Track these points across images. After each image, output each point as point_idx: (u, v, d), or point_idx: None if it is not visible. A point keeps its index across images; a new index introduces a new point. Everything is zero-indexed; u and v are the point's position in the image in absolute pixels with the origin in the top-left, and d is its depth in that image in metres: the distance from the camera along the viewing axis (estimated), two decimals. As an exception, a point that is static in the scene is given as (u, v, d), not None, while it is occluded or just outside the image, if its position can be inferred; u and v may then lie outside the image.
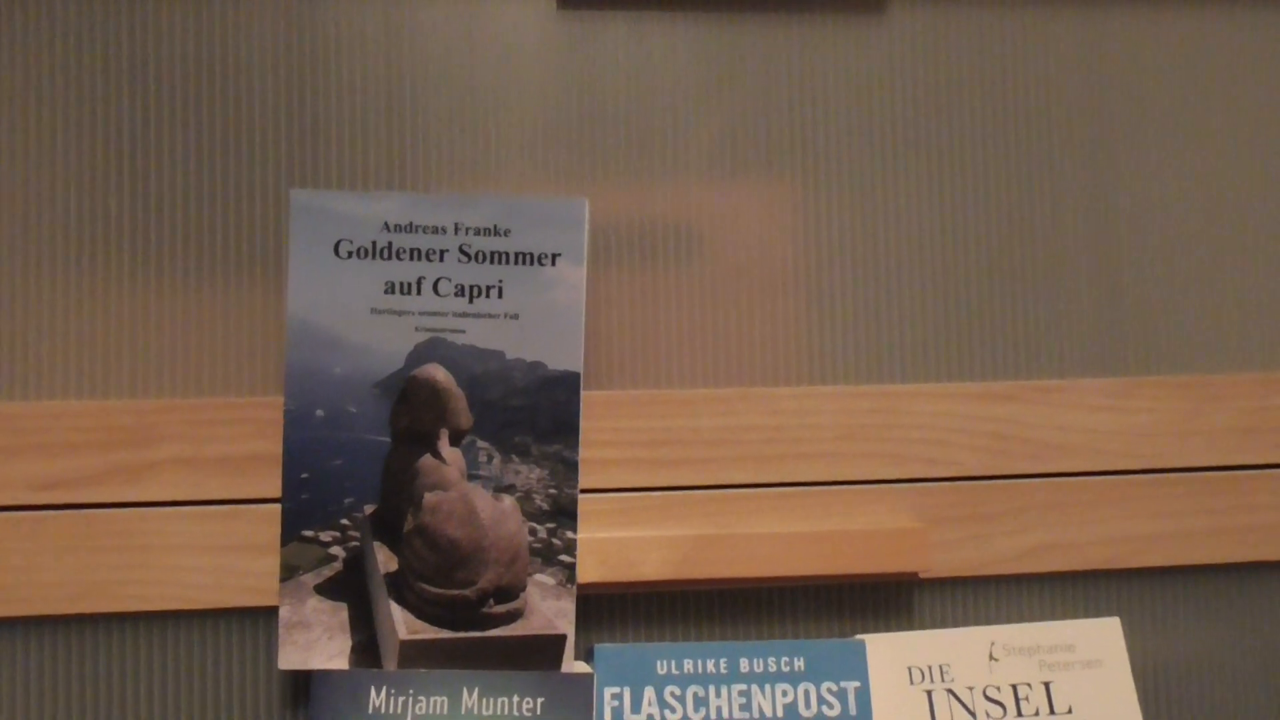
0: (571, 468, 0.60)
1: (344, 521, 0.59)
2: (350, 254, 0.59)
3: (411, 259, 0.59)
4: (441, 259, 0.59)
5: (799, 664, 0.61)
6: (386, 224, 0.59)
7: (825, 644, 0.61)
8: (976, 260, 0.67)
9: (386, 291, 0.59)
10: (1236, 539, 0.67)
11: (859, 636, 0.62)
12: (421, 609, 0.58)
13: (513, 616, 0.59)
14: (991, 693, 0.62)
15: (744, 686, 0.60)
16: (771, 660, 0.60)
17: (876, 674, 0.61)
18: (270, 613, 0.61)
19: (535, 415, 0.60)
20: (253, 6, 0.63)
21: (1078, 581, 0.67)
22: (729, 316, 0.65)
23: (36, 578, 0.59)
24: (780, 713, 0.60)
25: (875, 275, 0.67)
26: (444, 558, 0.59)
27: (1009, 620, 0.66)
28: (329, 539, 0.59)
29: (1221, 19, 0.70)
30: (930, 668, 0.62)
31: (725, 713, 0.59)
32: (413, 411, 0.59)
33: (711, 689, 0.60)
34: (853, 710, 0.60)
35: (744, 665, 0.60)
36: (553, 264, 0.60)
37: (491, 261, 0.60)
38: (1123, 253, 0.68)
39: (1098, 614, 0.67)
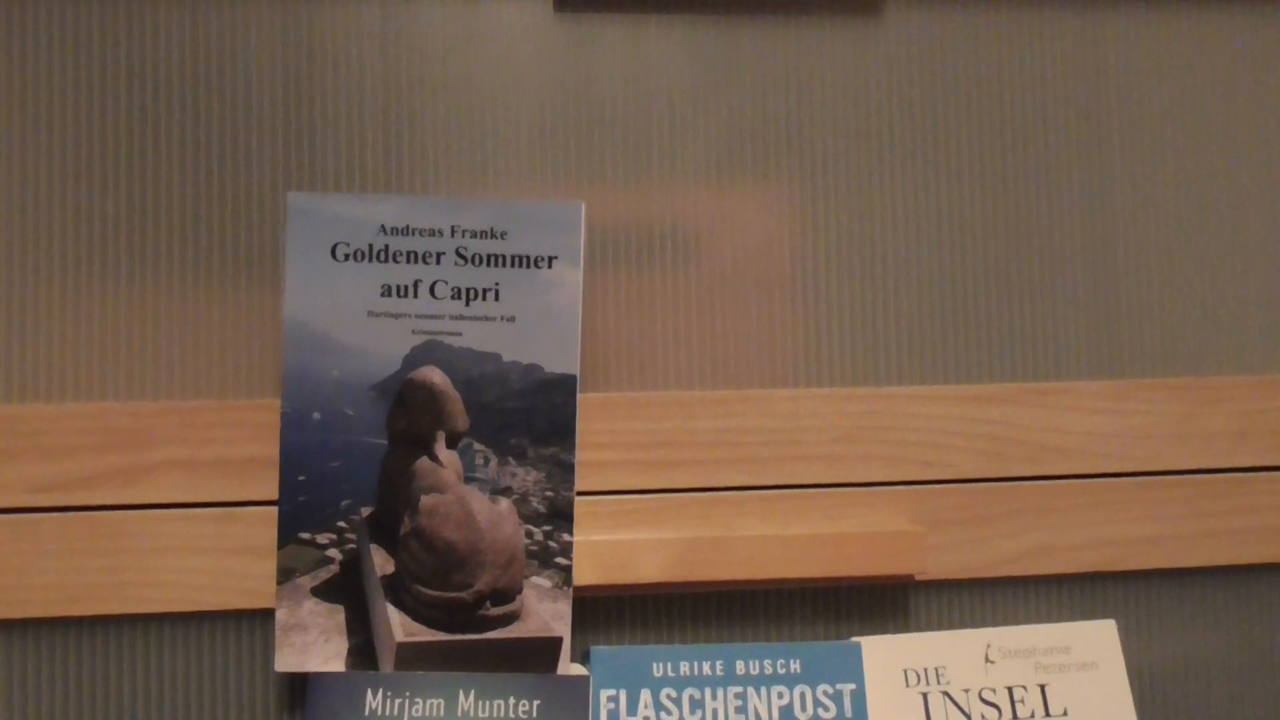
0: (568, 470, 0.60)
1: (341, 524, 0.59)
2: (347, 257, 0.59)
3: (408, 262, 0.59)
4: (438, 262, 0.60)
5: (795, 666, 0.61)
6: (383, 227, 0.59)
7: (821, 646, 0.61)
8: (973, 263, 0.67)
9: (383, 294, 0.59)
10: (1232, 541, 0.67)
11: (855, 639, 0.62)
12: (418, 611, 0.58)
13: (509, 619, 0.59)
14: (987, 695, 0.62)
15: (740, 689, 0.60)
16: (767, 662, 0.61)
17: (872, 676, 0.62)
18: (267, 615, 0.61)
19: (532, 418, 0.60)
20: (250, 10, 0.63)
21: (1073, 584, 0.67)
22: (725, 319, 0.65)
23: (34, 580, 0.59)
24: (776, 715, 0.60)
25: (872, 278, 0.67)
26: (440, 560, 0.59)
27: (1005, 622, 0.66)
28: (326, 541, 0.59)
29: (1218, 22, 0.70)
30: (926, 670, 0.62)
31: (721, 715, 0.59)
32: (409, 414, 0.59)
33: (707, 691, 0.60)
34: (848, 712, 0.60)
35: (740, 667, 0.60)
36: (549, 267, 0.60)
37: (488, 264, 0.60)
38: (1119, 255, 0.68)
39: (1093, 616, 0.67)
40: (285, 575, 0.58)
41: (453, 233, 0.60)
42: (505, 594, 0.59)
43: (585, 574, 0.60)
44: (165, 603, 0.59)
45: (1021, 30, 0.69)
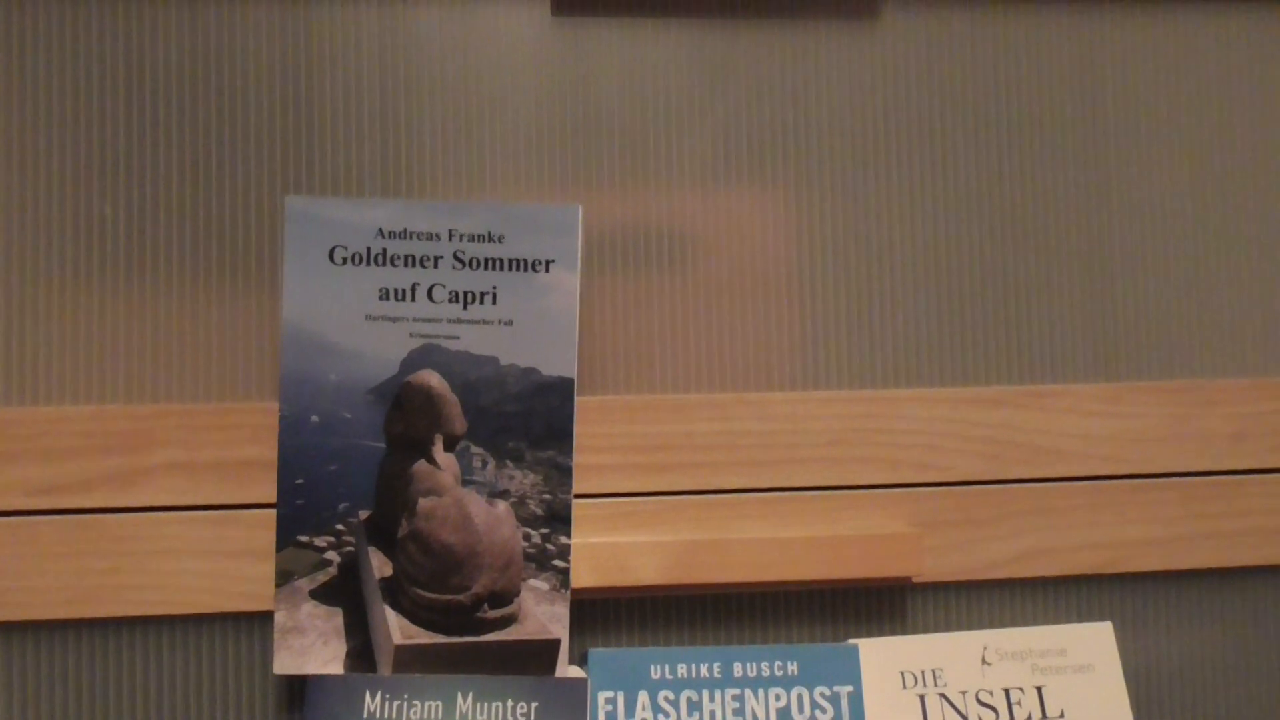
0: (565, 473, 0.60)
1: (339, 527, 0.59)
2: (345, 260, 0.59)
3: (406, 265, 0.60)
4: (436, 265, 0.60)
5: (792, 668, 0.61)
6: (381, 230, 0.60)
7: (818, 648, 0.61)
8: (969, 266, 0.68)
9: (381, 298, 0.59)
10: (1228, 543, 0.67)
11: (852, 641, 0.62)
12: (416, 614, 0.59)
13: (507, 621, 0.59)
14: (984, 697, 0.62)
15: (737, 691, 0.60)
16: (765, 664, 0.61)
17: (869, 678, 0.62)
18: (265, 618, 0.61)
19: (529, 421, 0.60)
20: (248, 13, 0.63)
21: (1070, 586, 0.67)
22: (722, 322, 0.65)
23: (32, 583, 0.59)
24: (773, 717, 0.60)
25: (868, 281, 0.67)
26: (438, 563, 0.59)
27: (1001, 624, 0.66)
28: (324, 544, 0.59)
29: (1214, 27, 0.70)
30: (923, 672, 0.62)
31: (719, 717, 0.59)
32: (407, 417, 0.59)
33: (705, 693, 0.60)
34: (845, 714, 0.60)
35: (737, 670, 0.60)
36: (546, 270, 0.60)
37: (485, 268, 0.60)
38: (1115, 259, 0.69)
39: (1090, 618, 0.67)
40: (284, 578, 0.58)
41: (450, 236, 0.60)
42: (503, 596, 0.59)
43: (583, 576, 0.60)
44: (164, 605, 0.60)
45: (1018, 34, 0.69)
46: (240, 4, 0.63)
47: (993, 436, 0.66)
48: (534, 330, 0.60)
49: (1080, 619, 0.67)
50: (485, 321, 0.60)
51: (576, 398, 0.62)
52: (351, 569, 0.59)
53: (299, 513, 0.59)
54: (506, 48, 0.65)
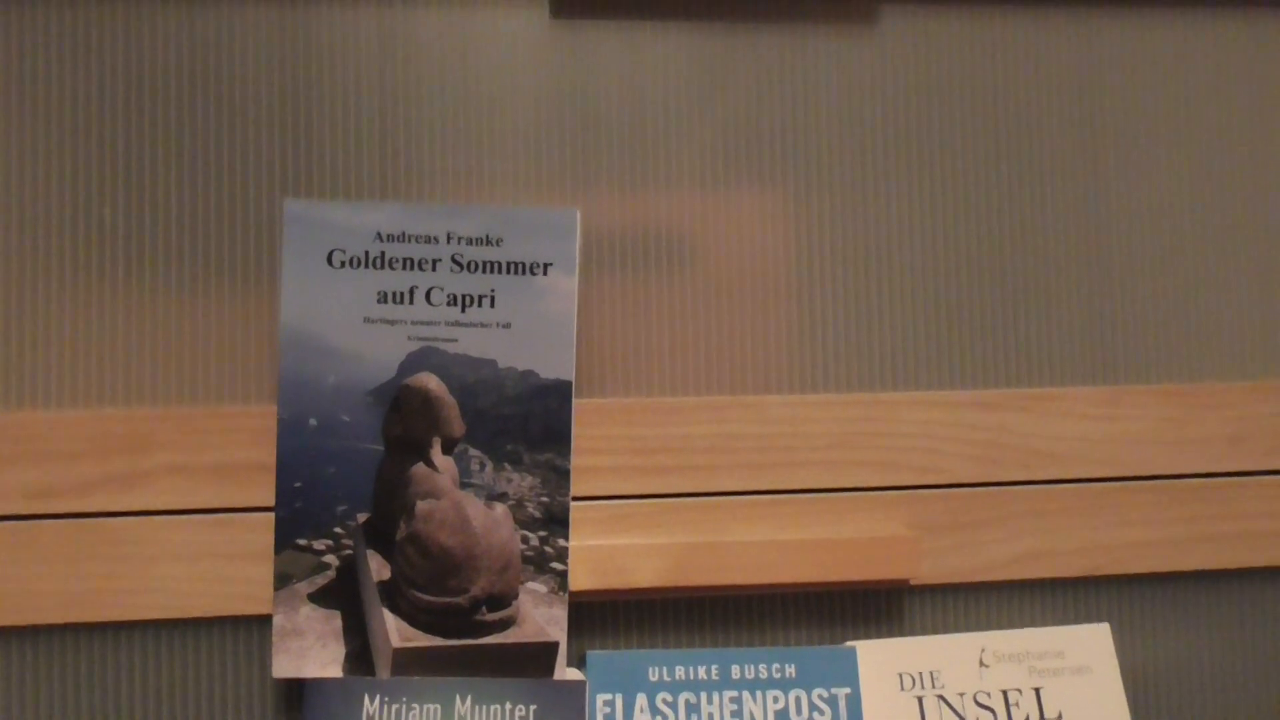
0: (563, 475, 0.60)
1: (337, 530, 0.59)
2: (343, 263, 0.59)
3: (404, 268, 0.60)
4: (434, 268, 0.60)
5: (790, 670, 0.61)
6: (379, 234, 0.60)
7: (816, 651, 0.61)
8: (967, 269, 0.68)
9: (379, 301, 0.59)
10: (1225, 546, 0.67)
11: (850, 643, 0.63)
12: (414, 617, 0.59)
13: (505, 624, 0.59)
14: (982, 699, 0.62)
15: (735, 693, 0.60)
16: (763, 667, 0.61)
17: (867, 680, 0.62)
18: (264, 621, 0.61)
19: (527, 423, 0.60)
20: (246, 17, 0.63)
21: (1067, 588, 0.67)
22: (720, 325, 0.65)
23: (31, 586, 0.59)
24: (771, 719, 0.60)
25: (866, 284, 0.67)
26: (436, 565, 0.59)
27: (999, 626, 0.66)
28: (322, 547, 0.59)
29: (1212, 31, 0.70)
30: (921, 674, 0.62)
31: (717, 719, 0.60)
32: (405, 420, 0.59)
33: (703, 695, 0.60)
34: (843, 716, 0.60)
35: (735, 672, 0.61)
36: (544, 273, 0.60)
37: (483, 271, 0.60)
38: (1113, 261, 0.69)
39: (1087, 620, 0.67)
40: (282, 581, 0.58)
41: (448, 239, 0.60)
42: (501, 599, 0.59)
43: (581, 579, 0.60)
44: (163, 609, 0.60)
45: (1016, 38, 0.69)
46: (239, 7, 0.63)
47: (990, 439, 0.66)
48: (532, 333, 0.60)
49: (1078, 621, 0.67)
50: (483, 324, 0.60)
51: (574, 400, 0.62)
52: (350, 572, 0.59)
53: (297, 516, 0.59)
54: (505, 50, 0.65)
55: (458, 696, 0.58)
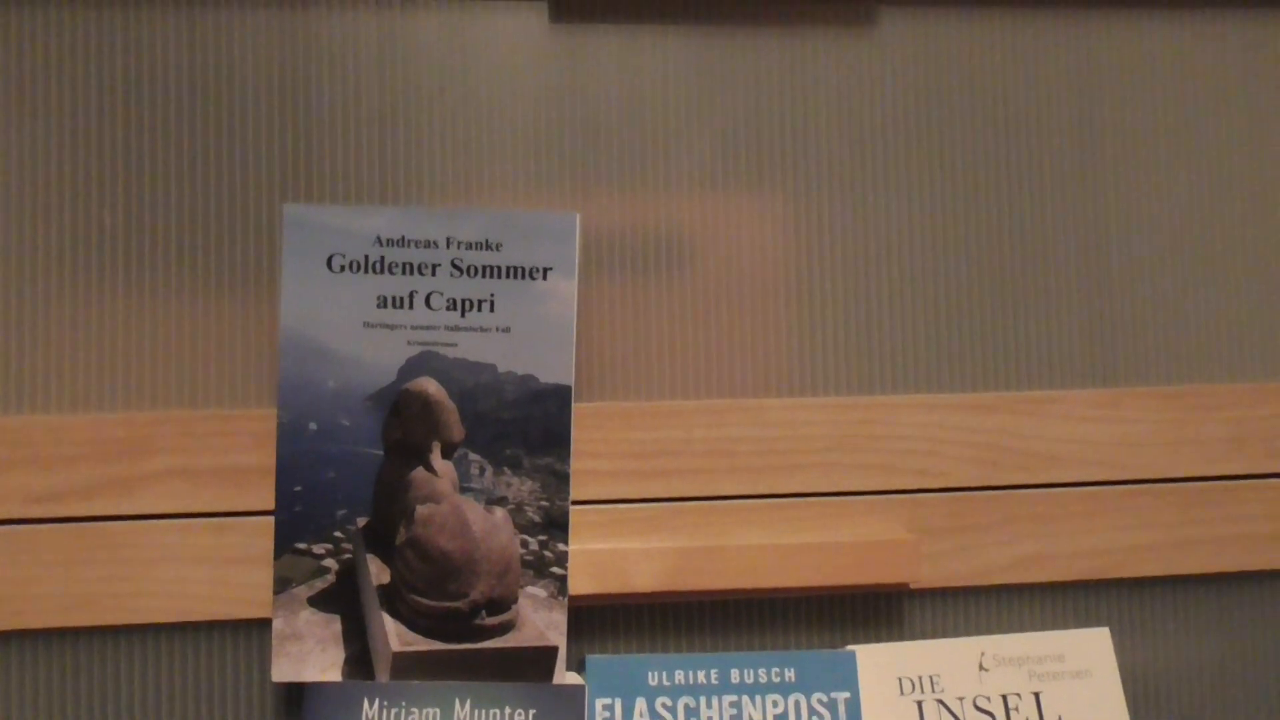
0: (563, 480, 0.60)
1: (337, 534, 0.59)
2: (343, 268, 0.59)
3: (404, 273, 0.60)
4: (433, 273, 0.60)
5: (790, 674, 0.61)
6: (379, 238, 0.60)
7: (816, 655, 0.61)
8: (967, 271, 0.68)
9: (379, 305, 0.59)
10: (1226, 549, 0.67)
11: (849, 647, 0.63)
12: (414, 621, 0.59)
13: (505, 628, 0.59)
14: (981, 703, 0.62)
15: (735, 697, 0.60)
16: (762, 671, 0.61)
17: (867, 684, 0.62)
18: (264, 625, 0.61)
19: (527, 428, 0.60)
20: (246, 20, 0.63)
21: (1067, 592, 0.67)
22: (720, 328, 0.65)
23: (31, 590, 0.59)
24: (771, 723, 0.60)
25: (866, 286, 0.67)
26: (436, 570, 0.59)
27: (999, 630, 0.66)
28: (322, 551, 0.59)
29: (1211, 33, 0.70)
30: (920, 678, 0.62)
31: (716, 723, 0.60)
32: (405, 424, 0.59)
33: (703, 700, 0.60)
34: (843, 721, 0.60)
35: (735, 676, 0.61)
36: (544, 278, 0.60)
37: (483, 275, 0.60)
38: (1113, 263, 0.69)
39: (1087, 624, 0.67)
40: (282, 585, 0.58)
41: (448, 244, 0.60)
42: (501, 603, 0.59)
43: (580, 583, 0.60)
44: (162, 613, 0.60)
45: (1016, 40, 0.69)
46: (239, 11, 0.63)
47: (990, 442, 0.66)
48: (531, 337, 0.60)
49: (1078, 625, 0.67)
50: (483, 329, 0.60)
51: (574, 404, 0.62)
52: (349, 576, 0.59)
53: (297, 520, 0.59)
54: (504, 54, 0.65)
55: (457, 701, 0.58)
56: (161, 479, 0.60)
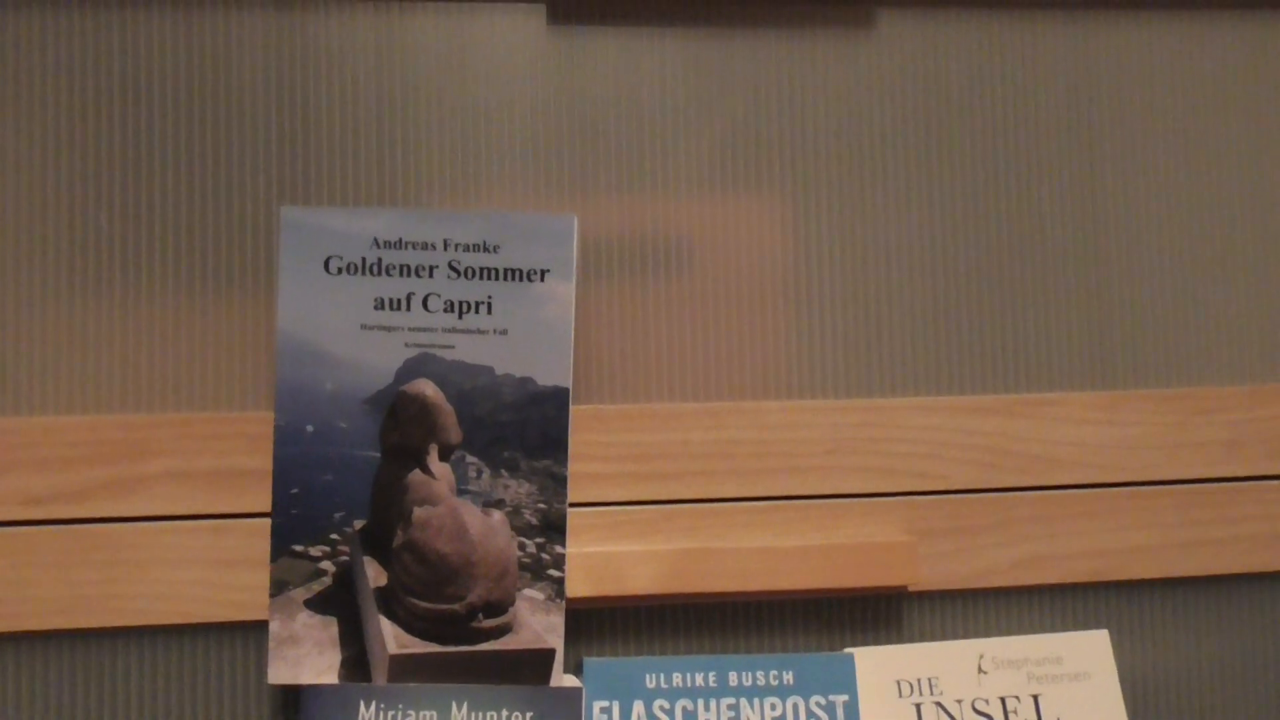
0: (560, 482, 0.60)
1: (334, 536, 0.59)
2: (340, 270, 0.59)
3: (401, 275, 0.60)
4: (431, 275, 0.60)
5: (788, 677, 0.61)
6: (376, 240, 0.60)
7: (814, 657, 0.61)
8: (966, 274, 0.68)
9: (376, 307, 0.59)
10: (1224, 551, 0.67)
11: (848, 649, 0.62)
12: (411, 624, 0.58)
13: (502, 631, 0.59)
14: (980, 705, 0.62)
15: (733, 700, 0.60)
16: (760, 673, 0.61)
17: (865, 687, 0.62)
18: (260, 627, 0.61)
19: (524, 430, 0.60)
20: (243, 22, 0.63)
21: (1066, 594, 0.67)
22: (718, 331, 0.65)
23: (27, 592, 0.59)
24: (769, 726, 0.60)
25: (864, 289, 0.67)
26: (433, 572, 0.59)
27: (998, 633, 0.66)
28: (319, 554, 0.59)
29: (1209, 34, 0.70)
30: (919, 680, 0.62)
31: (714, 726, 0.60)
32: (402, 427, 0.59)
33: (700, 702, 0.60)
34: (841, 723, 0.60)
35: (733, 679, 0.60)
36: (542, 280, 0.60)
37: (481, 277, 0.60)
38: (1111, 266, 0.69)
39: (1086, 626, 0.67)
40: (278, 588, 0.58)
41: (445, 246, 0.60)
42: (498, 606, 0.59)
43: (578, 586, 0.60)
44: (158, 615, 0.60)
45: (1013, 43, 0.69)
46: (235, 13, 0.63)
47: (988, 445, 0.66)
48: (529, 340, 0.60)
49: (1076, 627, 0.67)
50: (480, 331, 0.60)
51: (572, 407, 0.62)
52: (346, 578, 0.59)
53: (294, 522, 0.59)
54: (502, 57, 0.65)
55: (454, 703, 0.58)
56: (158, 481, 0.60)
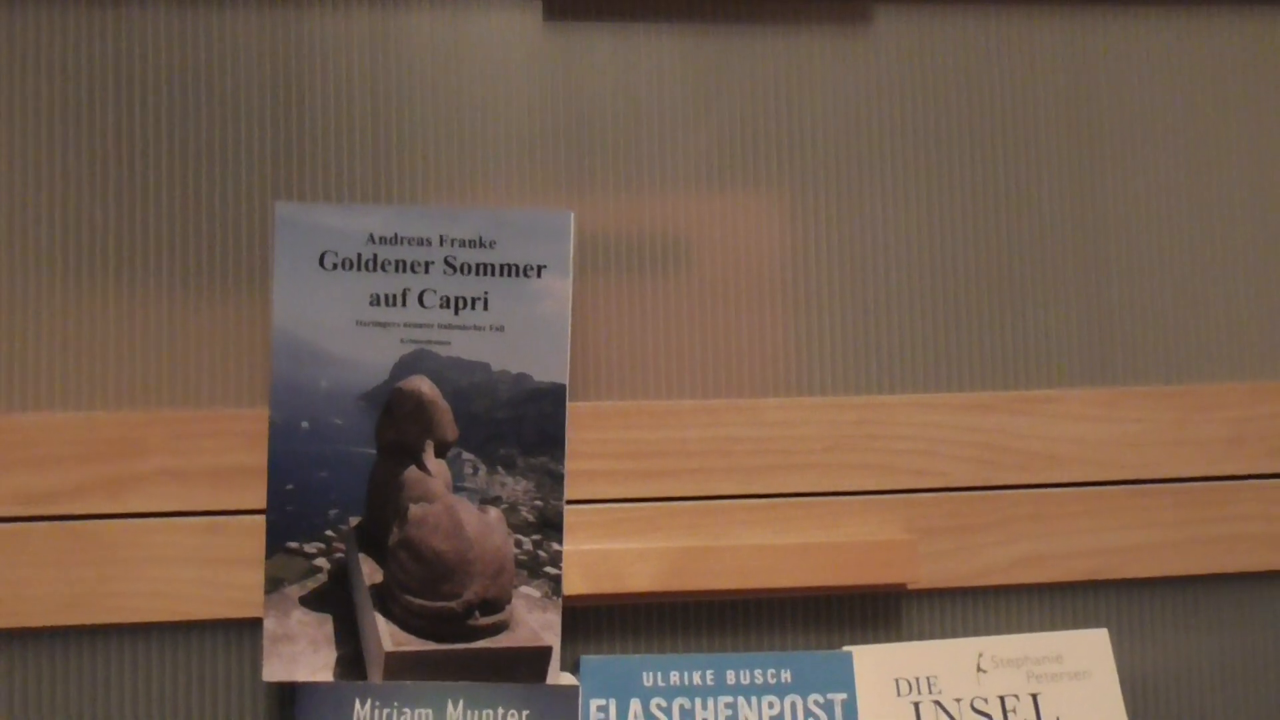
0: (557, 479, 0.60)
1: (329, 533, 0.59)
2: (335, 266, 0.59)
3: (397, 271, 0.59)
4: (427, 271, 0.59)
5: (786, 675, 0.60)
6: (372, 236, 0.59)
7: (812, 655, 0.61)
8: (964, 271, 0.67)
9: (372, 304, 0.59)
10: (1224, 549, 0.66)
11: (846, 648, 0.62)
12: (407, 621, 0.58)
13: (498, 629, 0.59)
14: (979, 704, 0.62)
15: (730, 698, 0.60)
16: (758, 672, 0.60)
17: (863, 685, 0.61)
18: (255, 624, 0.61)
19: (521, 427, 0.60)
20: (238, 19, 0.63)
21: (1065, 592, 0.67)
22: (716, 328, 0.65)
23: (23, 590, 0.59)
24: (767, 724, 0.60)
25: (862, 286, 0.67)
26: (429, 570, 0.59)
27: (997, 631, 0.66)
28: (314, 551, 0.59)
29: (1208, 30, 0.70)
30: (918, 679, 0.62)
31: (711, 725, 0.59)
32: (398, 424, 0.59)
33: (698, 701, 0.60)
34: (839, 722, 0.60)
35: (730, 677, 0.60)
36: (538, 276, 0.60)
37: (477, 273, 0.60)
38: (1110, 263, 0.68)
39: (1085, 625, 0.67)
40: (273, 585, 0.58)
41: (441, 242, 0.60)
42: (494, 604, 0.59)
43: (575, 583, 0.60)
44: (153, 612, 0.59)
45: (1011, 39, 0.69)
46: (231, 10, 0.63)
47: (988, 442, 0.65)
48: (525, 336, 0.60)
49: (1076, 625, 0.67)
50: (476, 327, 0.60)
51: (568, 404, 0.62)
52: (342, 576, 0.59)
53: (289, 519, 0.58)
54: (498, 53, 0.65)
55: (450, 701, 0.58)
56: (153, 478, 0.60)
